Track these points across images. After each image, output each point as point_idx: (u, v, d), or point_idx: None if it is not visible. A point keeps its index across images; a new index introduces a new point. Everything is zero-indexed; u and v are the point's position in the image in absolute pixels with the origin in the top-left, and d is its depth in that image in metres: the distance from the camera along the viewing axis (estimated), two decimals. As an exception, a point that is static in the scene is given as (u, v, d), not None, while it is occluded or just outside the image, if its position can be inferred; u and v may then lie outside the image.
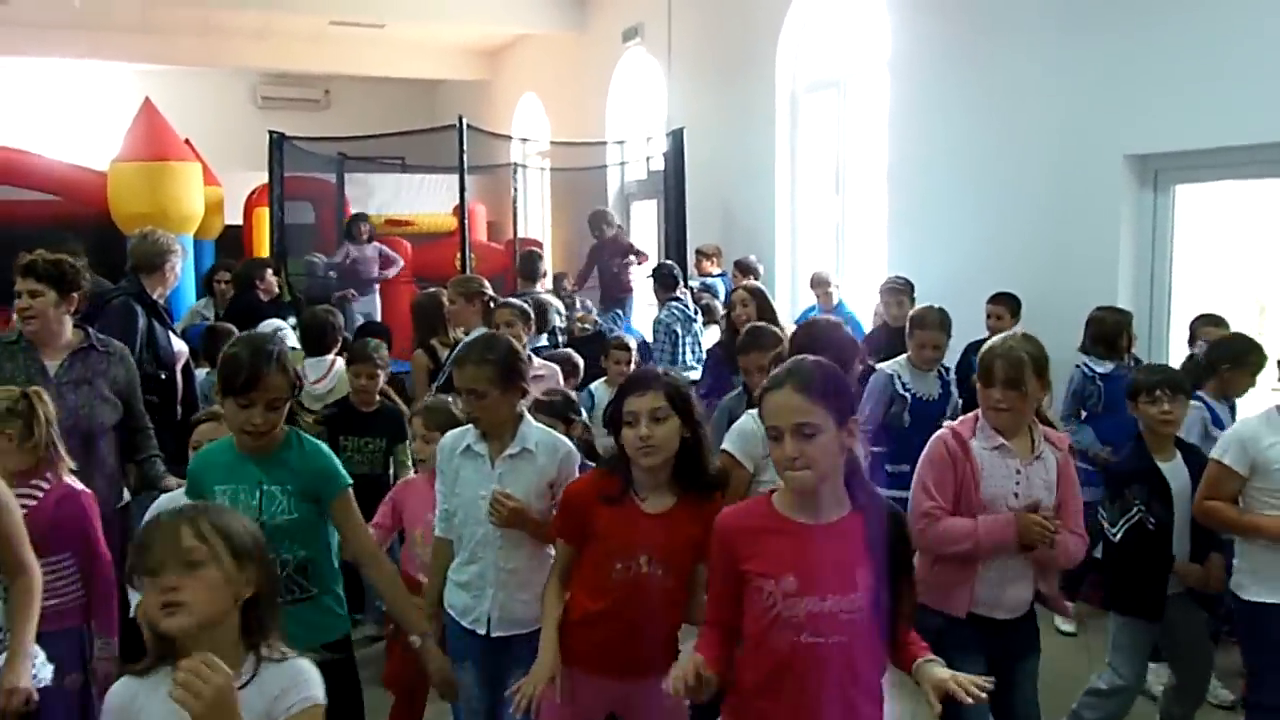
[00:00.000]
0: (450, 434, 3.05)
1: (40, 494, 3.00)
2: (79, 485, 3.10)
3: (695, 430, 2.52)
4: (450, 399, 3.72)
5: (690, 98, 9.43)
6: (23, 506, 2.80)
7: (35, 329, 3.66)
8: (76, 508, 3.03)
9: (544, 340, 5.97)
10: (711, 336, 6.99)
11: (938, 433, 3.03)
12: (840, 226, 7.94)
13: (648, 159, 9.89)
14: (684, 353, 6.73)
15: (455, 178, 11.23)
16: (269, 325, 6.31)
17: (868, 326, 6.79)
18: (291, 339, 6.20)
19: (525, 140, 10.75)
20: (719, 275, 8.32)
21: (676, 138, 8.24)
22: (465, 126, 7.50)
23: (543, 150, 12.53)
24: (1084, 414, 4.95)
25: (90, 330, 3.87)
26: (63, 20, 11.54)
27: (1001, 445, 2.93)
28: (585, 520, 2.58)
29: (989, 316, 5.73)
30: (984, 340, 5.69)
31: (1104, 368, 4.89)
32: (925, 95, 6.73)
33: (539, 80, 12.83)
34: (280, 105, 15.59)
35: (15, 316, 3.72)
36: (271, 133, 8.34)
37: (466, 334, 5.27)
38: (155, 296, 4.68)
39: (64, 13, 11.14)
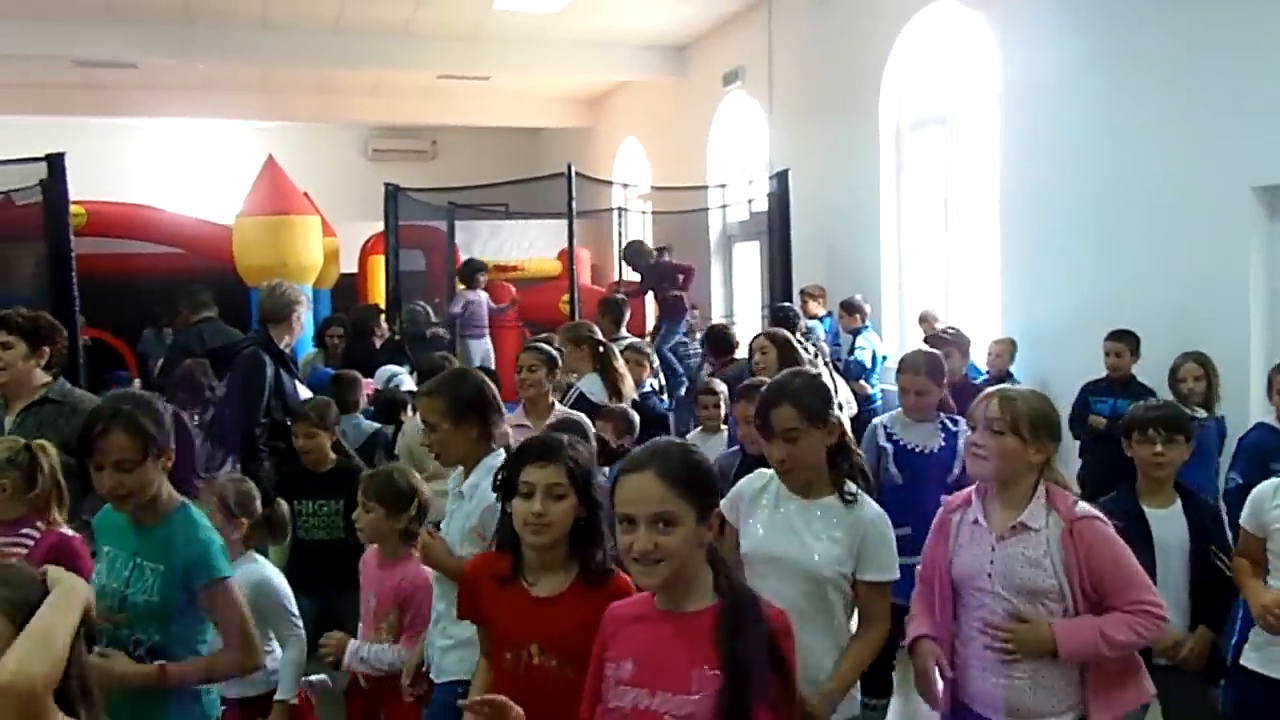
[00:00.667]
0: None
1: (31, 542, 2.95)
2: (69, 531, 3.03)
3: (593, 511, 2.30)
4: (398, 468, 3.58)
5: (792, 138, 9.44)
6: (13, 554, 2.78)
7: (4, 380, 3.67)
8: (68, 553, 2.89)
9: (648, 386, 5.92)
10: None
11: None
12: (949, 264, 7.82)
13: (749, 201, 9.92)
14: None
15: (557, 223, 11.53)
16: (385, 371, 6.50)
17: (980, 363, 6.68)
18: (408, 384, 6.37)
19: (626, 186, 10.88)
20: (824, 316, 8.26)
21: (781, 179, 8.25)
22: (574, 174, 7.60)
23: (644, 194, 12.68)
24: None
25: (59, 383, 3.80)
26: (189, 82, 12.18)
27: (978, 517, 2.63)
28: (477, 600, 2.40)
29: (1107, 354, 5.56)
30: (1101, 380, 5.58)
31: (1201, 414, 4.69)
32: (1038, 128, 6.61)
33: (640, 125, 13.01)
34: (390, 156, 16.12)
35: None
36: (387, 185, 8.61)
37: (578, 379, 5.36)
38: (282, 346, 4.86)
39: (190, 75, 11.77)
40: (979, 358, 6.74)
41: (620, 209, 10.54)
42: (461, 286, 9.54)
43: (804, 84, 9.26)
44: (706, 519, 1.94)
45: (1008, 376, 6.43)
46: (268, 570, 3.36)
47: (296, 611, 3.34)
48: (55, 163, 5.83)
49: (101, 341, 9.69)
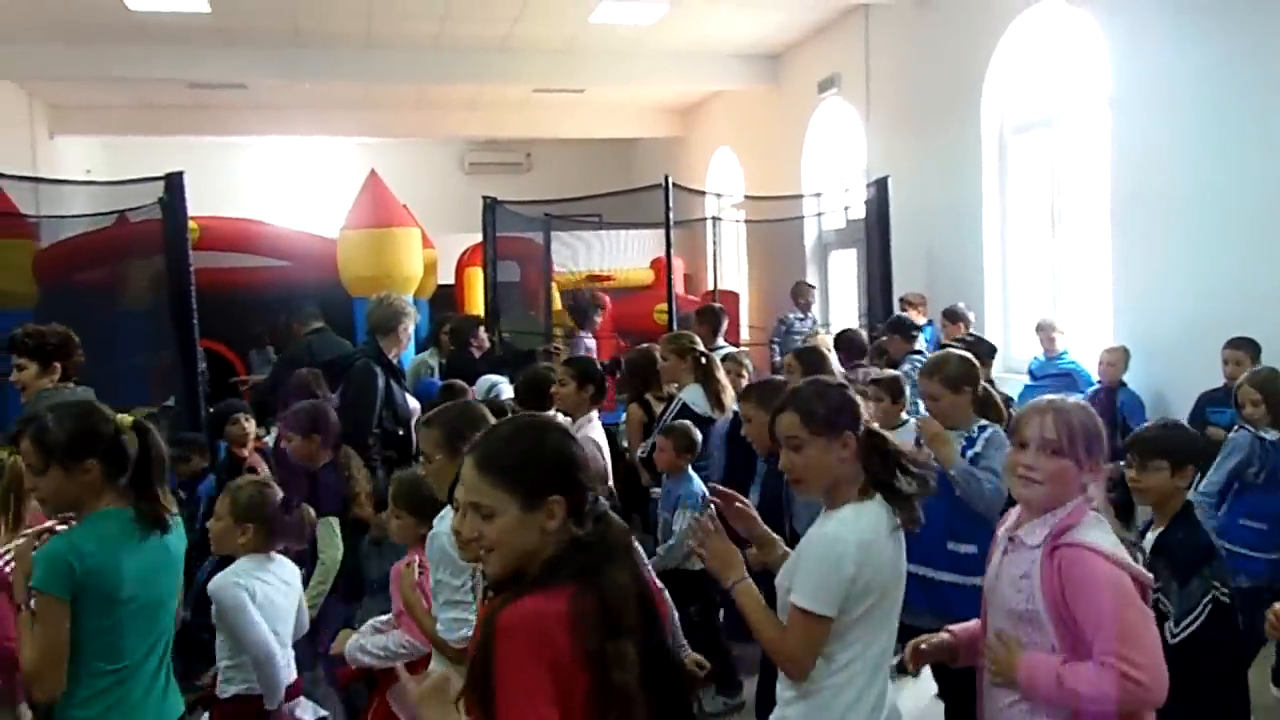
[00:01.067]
0: None
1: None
2: None
3: None
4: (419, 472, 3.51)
5: (890, 144, 9.31)
6: None
7: (26, 401, 3.86)
8: None
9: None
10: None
11: None
12: (1057, 271, 7.61)
13: (846, 208, 9.81)
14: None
15: (649, 233, 11.55)
16: (485, 381, 6.55)
17: (1093, 373, 6.49)
18: (507, 393, 6.43)
19: (720, 195, 10.86)
20: (925, 324, 8.11)
21: (880, 186, 8.13)
22: (670, 185, 7.62)
23: (737, 203, 12.64)
24: (1236, 487, 4.41)
25: (60, 393, 3.95)
26: (294, 101, 12.57)
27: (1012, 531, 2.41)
28: None
29: (1226, 363, 5.35)
30: (1220, 389, 5.36)
31: (1272, 435, 4.40)
32: (1151, 130, 6.39)
33: (733, 134, 12.98)
34: (486, 170, 16.39)
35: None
36: (485, 198, 8.74)
37: (679, 389, 5.36)
38: (390, 357, 4.97)
39: (296, 94, 12.14)
40: (1091, 366, 6.55)
41: (714, 218, 10.53)
42: (571, 324, 9.44)
43: (902, 89, 9.13)
44: (539, 507, 1.82)
45: (1121, 387, 6.24)
46: (240, 580, 3.27)
47: (262, 632, 3.23)
48: (174, 181, 6.06)
49: (215, 354, 10.02)
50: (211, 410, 5.97)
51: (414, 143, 15.45)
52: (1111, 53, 6.73)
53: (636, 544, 1.97)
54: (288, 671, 3.30)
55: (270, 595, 3.30)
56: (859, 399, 2.50)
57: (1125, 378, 6.25)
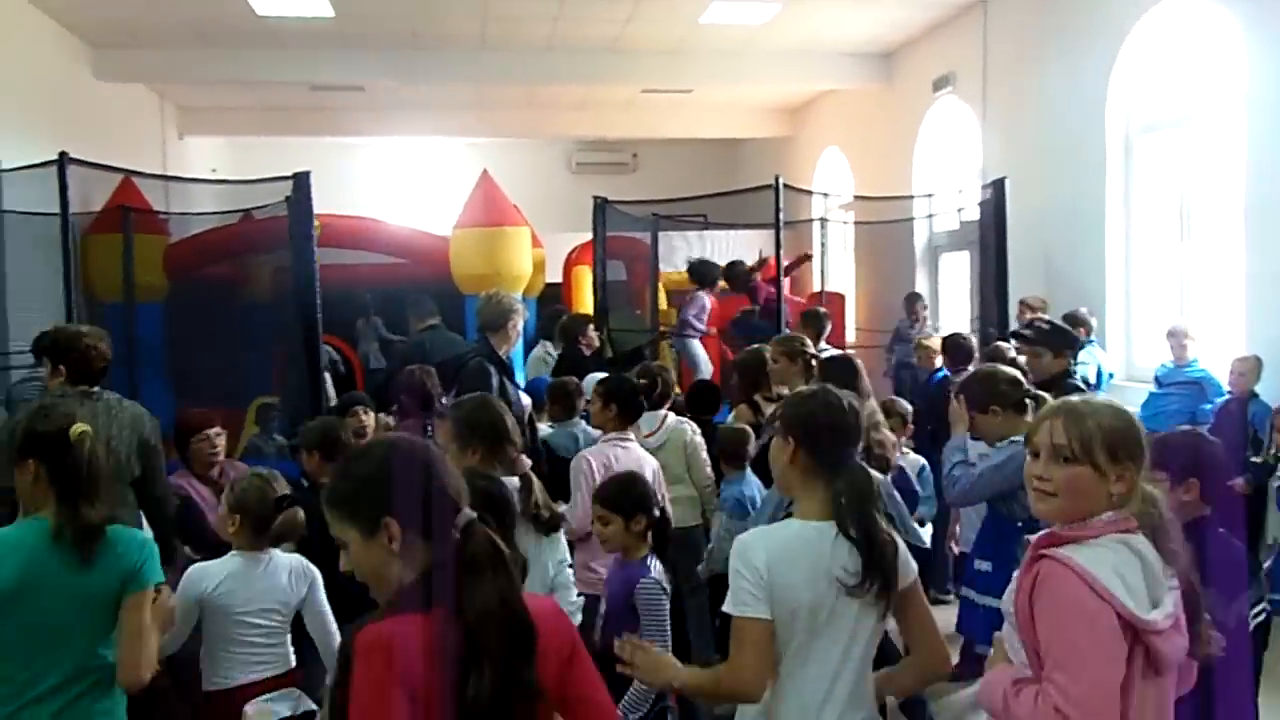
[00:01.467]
0: None
1: None
2: None
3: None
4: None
5: (1008, 144, 9.08)
6: None
7: None
8: None
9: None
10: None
11: None
12: (1185, 277, 7.32)
13: (959, 210, 9.61)
14: None
15: (754, 233, 11.48)
16: (591, 379, 6.57)
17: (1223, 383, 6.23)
18: None
19: (826, 195, 10.73)
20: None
21: (997, 188, 7.93)
22: (781, 186, 7.57)
23: (846, 203, 12.49)
24: None
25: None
26: (409, 102, 12.88)
27: None
28: None
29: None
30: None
31: None
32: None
33: (842, 134, 12.83)
34: (592, 169, 16.53)
35: None
36: (596, 198, 8.80)
37: (789, 391, 5.32)
38: (501, 354, 5.05)
39: (411, 95, 12.43)
40: (1221, 376, 6.29)
41: (822, 219, 10.43)
42: (693, 285, 9.45)
43: (1021, 86, 8.89)
44: (377, 531, 1.82)
45: (1253, 398, 5.97)
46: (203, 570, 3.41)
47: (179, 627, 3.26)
48: (301, 181, 6.25)
49: (334, 347, 10.32)
50: (334, 404, 6.15)
51: (522, 142, 15.66)
52: (1249, 48, 6.44)
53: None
54: (258, 668, 3.36)
55: (235, 588, 3.36)
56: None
57: (1257, 388, 5.98)
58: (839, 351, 7.61)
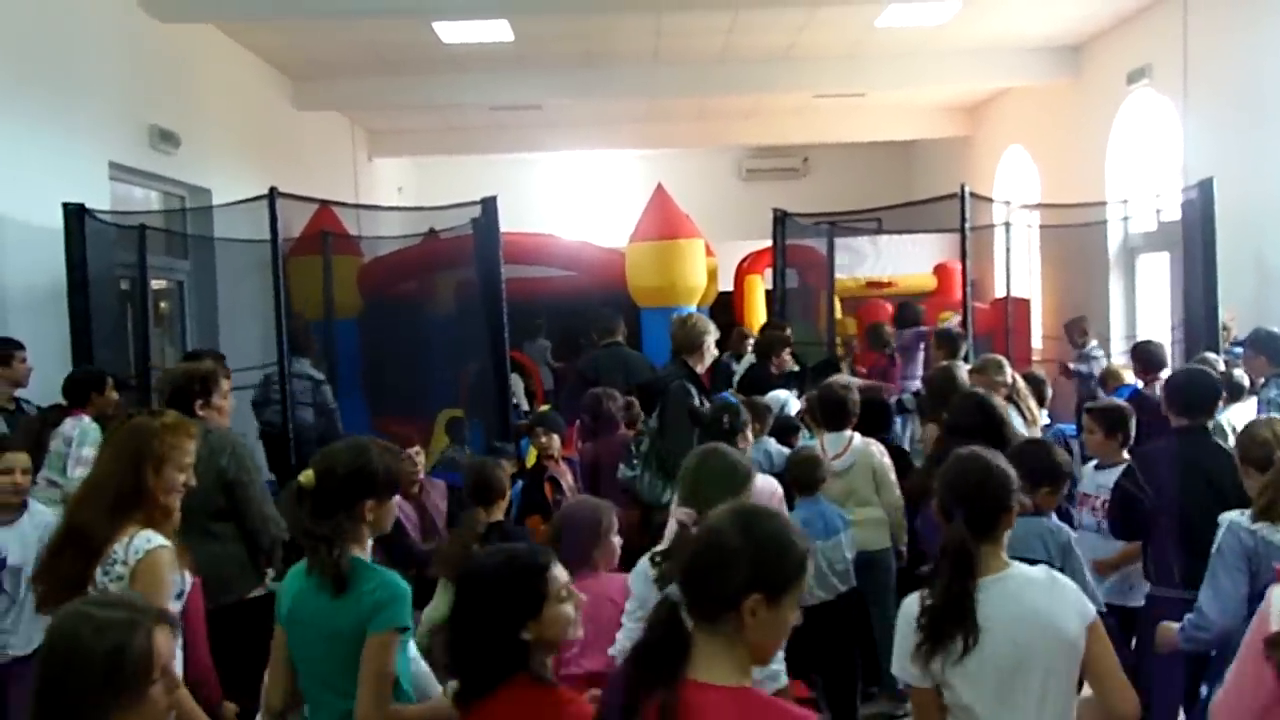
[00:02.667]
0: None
1: None
2: None
3: None
4: None
5: (1212, 139, 8.50)
6: None
7: None
8: None
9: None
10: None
11: None
12: None
13: (1157, 211, 9.08)
14: None
15: (931, 238, 11.15)
16: (775, 397, 6.51)
17: None
18: (793, 408, 6.36)
19: (1008, 203, 10.24)
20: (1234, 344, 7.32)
21: (1204, 189, 7.42)
22: (967, 194, 7.34)
23: (1029, 205, 11.97)
24: None
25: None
26: (583, 118, 13.15)
27: None
28: None
29: None
30: None
31: None
32: None
33: (1026, 132, 12.31)
34: (763, 176, 16.45)
35: None
36: (775, 210, 8.75)
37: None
38: (699, 372, 5.10)
39: (584, 111, 12.69)
40: None
41: (1006, 224, 10.03)
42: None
43: (1226, 77, 8.30)
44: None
45: None
46: None
47: None
48: (488, 205, 6.47)
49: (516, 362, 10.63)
50: (524, 420, 6.32)
51: (692, 151, 15.74)
52: None
53: None
54: None
55: None
56: None
57: None
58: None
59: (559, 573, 2.38)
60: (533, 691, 2.24)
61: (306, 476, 2.71)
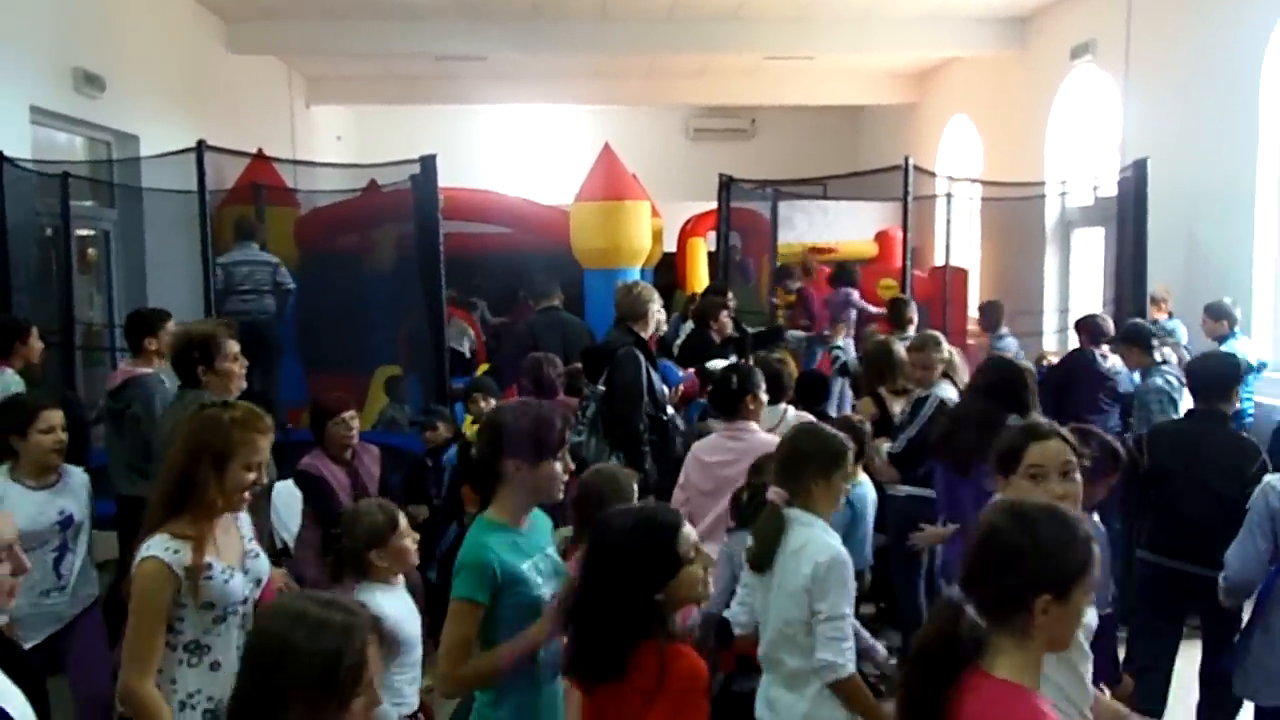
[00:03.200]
0: None
1: None
2: None
3: None
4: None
5: (1151, 117, 8.62)
6: None
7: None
8: None
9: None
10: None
11: None
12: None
13: (1095, 188, 9.20)
14: None
15: (873, 205, 11.19)
16: (716, 365, 6.49)
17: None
18: None
19: (951, 179, 10.27)
20: (1169, 320, 7.49)
21: (1139, 169, 7.53)
22: (910, 166, 7.36)
23: (970, 179, 12.06)
24: None
25: None
26: (530, 71, 12.92)
27: None
28: None
29: None
30: None
31: None
32: None
33: (971, 101, 12.37)
34: (710, 136, 16.36)
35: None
36: (721, 176, 8.68)
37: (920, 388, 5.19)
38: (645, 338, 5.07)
39: (532, 64, 12.47)
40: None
41: (948, 195, 10.10)
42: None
43: (1168, 56, 8.40)
44: None
45: None
46: None
47: None
48: (428, 163, 6.34)
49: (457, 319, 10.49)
50: (464, 384, 6.26)
51: (640, 109, 15.58)
52: None
53: None
54: None
55: None
56: None
57: None
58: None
59: (689, 531, 2.36)
60: (669, 650, 2.26)
61: None
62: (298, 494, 5.01)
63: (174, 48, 9.16)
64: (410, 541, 3.43)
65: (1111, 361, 6.34)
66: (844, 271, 9.51)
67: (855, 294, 9.24)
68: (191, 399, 3.82)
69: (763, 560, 3.01)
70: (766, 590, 3.03)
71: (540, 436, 2.58)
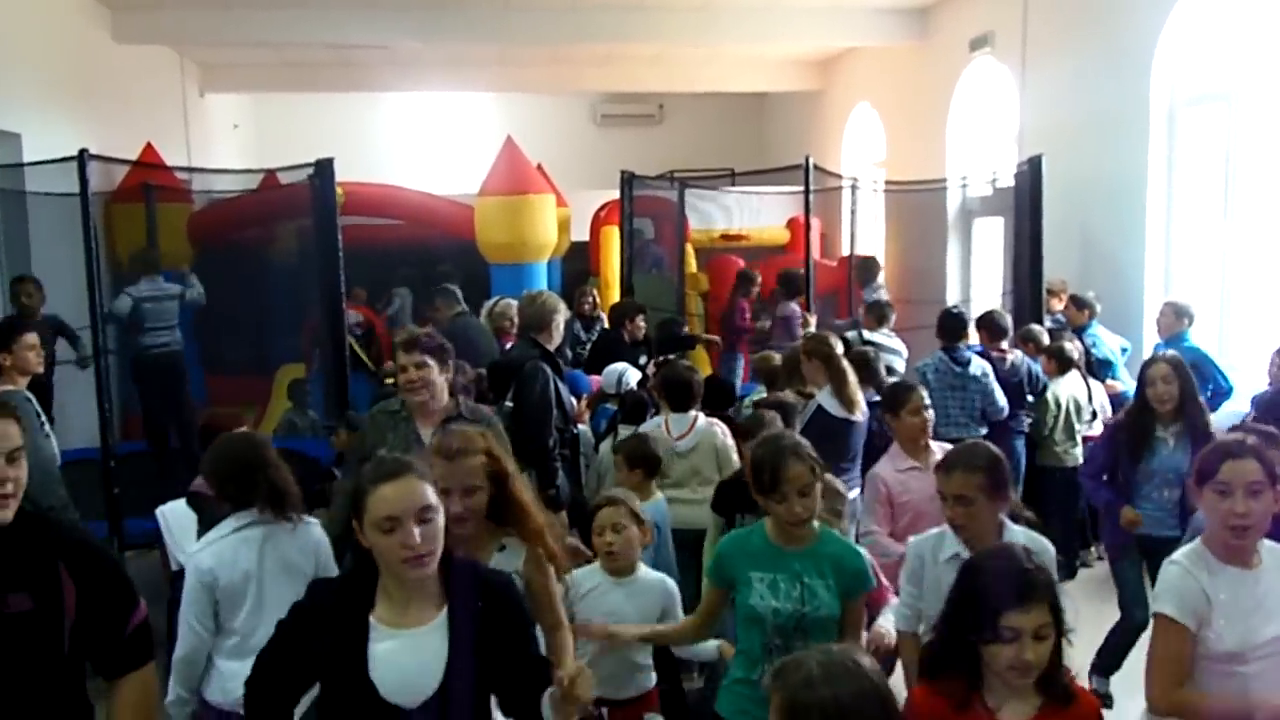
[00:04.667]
0: (922, 540, 3.18)
1: None
2: None
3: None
4: None
5: (1046, 109, 8.82)
6: None
7: (424, 399, 3.87)
8: None
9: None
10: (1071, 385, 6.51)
11: None
12: (1226, 257, 7.13)
13: (993, 180, 9.39)
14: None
15: (782, 197, 11.27)
16: (613, 371, 6.37)
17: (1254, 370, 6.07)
18: (634, 379, 6.28)
19: (854, 180, 10.37)
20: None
21: (1034, 166, 7.70)
22: (811, 166, 7.41)
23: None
24: None
25: (461, 400, 4.01)
26: (432, 58, 12.67)
27: None
28: None
29: None
30: None
31: None
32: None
33: (874, 90, 12.52)
34: (618, 122, 16.28)
35: (400, 389, 3.95)
36: (623, 172, 8.62)
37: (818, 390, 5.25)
38: (550, 349, 4.99)
39: (434, 52, 12.23)
40: (1260, 367, 6.13)
41: (853, 186, 10.24)
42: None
43: (1062, 51, 8.60)
44: None
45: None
46: None
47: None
48: (324, 167, 6.17)
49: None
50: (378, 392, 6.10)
51: (546, 96, 15.42)
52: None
53: None
54: None
55: None
56: None
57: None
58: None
59: None
60: None
61: None
62: (192, 515, 4.85)
63: (56, 39, 8.72)
64: None
65: (1010, 359, 6.46)
66: (792, 280, 9.15)
67: (796, 307, 9.14)
68: None
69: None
70: None
71: None
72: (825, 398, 5.11)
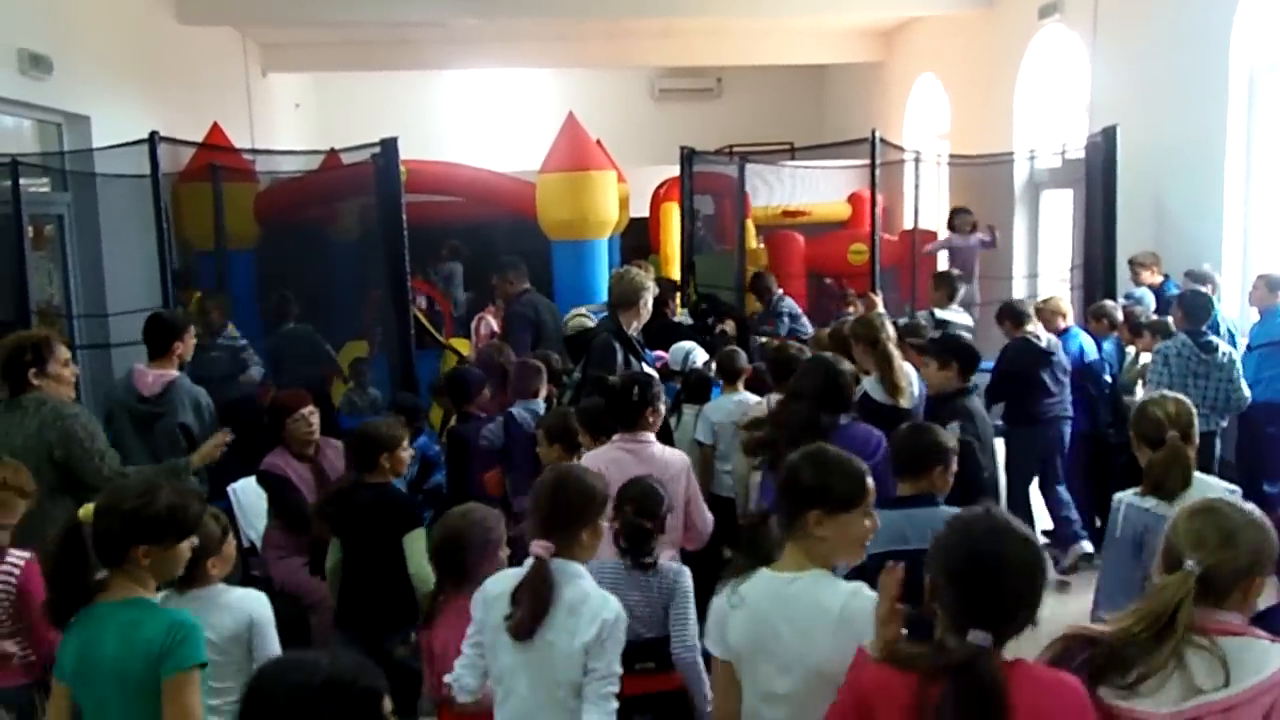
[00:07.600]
0: None
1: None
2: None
3: None
4: None
5: (1119, 78, 8.56)
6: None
7: None
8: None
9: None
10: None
11: None
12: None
13: (1062, 151, 9.15)
14: None
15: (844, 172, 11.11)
16: (682, 348, 6.33)
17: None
18: (701, 358, 6.23)
19: (917, 153, 10.13)
20: (1165, 283, 7.46)
21: (1108, 136, 7.48)
22: (878, 140, 7.28)
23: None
24: None
25: None
26: (490, 35, 12.66)
27: None
28: None
29: None
30: None
31: None
32: None
33: (938, 60, 12.26)
34: (676, 96, 16.17)
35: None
36: (683, 148, 8.54)
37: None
38: (630, 330, 4.95)
39: (493, 28, 12.21)
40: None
41: (916, 159, 10.03)
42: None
43: (1136, 16, 8.33)
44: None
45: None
46: None
47: None
48: (388, 146, 6.19)
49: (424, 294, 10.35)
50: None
51: (604, 71, 15.35)
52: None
53: None
54: None
55: None
56: None
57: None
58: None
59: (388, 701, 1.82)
60: None
61: (85, 511, 2.52)
62: (262, 493, 4.94)
63: (122, 23, 8.86)
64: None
65: (1046, 338, 6.24)
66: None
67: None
68: (32, 402, 3.87)
69: (535, 626, 2.68)
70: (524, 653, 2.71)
71: None
72: (870, 384, 4.83)
